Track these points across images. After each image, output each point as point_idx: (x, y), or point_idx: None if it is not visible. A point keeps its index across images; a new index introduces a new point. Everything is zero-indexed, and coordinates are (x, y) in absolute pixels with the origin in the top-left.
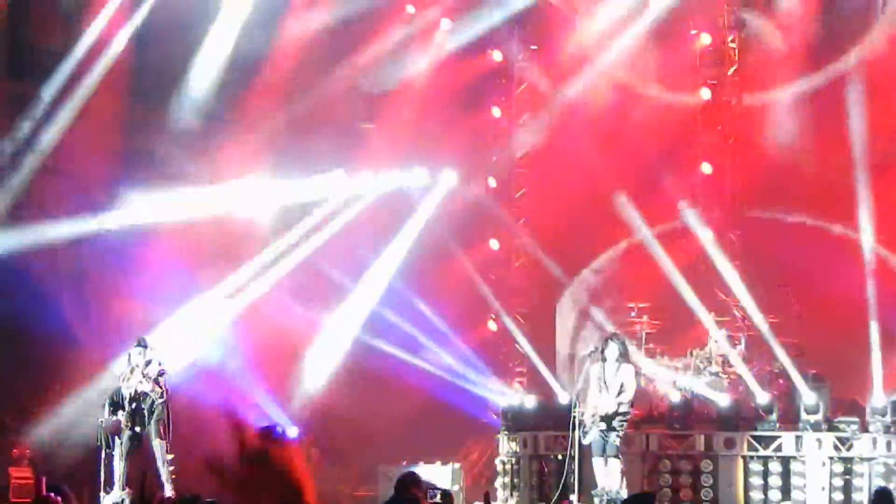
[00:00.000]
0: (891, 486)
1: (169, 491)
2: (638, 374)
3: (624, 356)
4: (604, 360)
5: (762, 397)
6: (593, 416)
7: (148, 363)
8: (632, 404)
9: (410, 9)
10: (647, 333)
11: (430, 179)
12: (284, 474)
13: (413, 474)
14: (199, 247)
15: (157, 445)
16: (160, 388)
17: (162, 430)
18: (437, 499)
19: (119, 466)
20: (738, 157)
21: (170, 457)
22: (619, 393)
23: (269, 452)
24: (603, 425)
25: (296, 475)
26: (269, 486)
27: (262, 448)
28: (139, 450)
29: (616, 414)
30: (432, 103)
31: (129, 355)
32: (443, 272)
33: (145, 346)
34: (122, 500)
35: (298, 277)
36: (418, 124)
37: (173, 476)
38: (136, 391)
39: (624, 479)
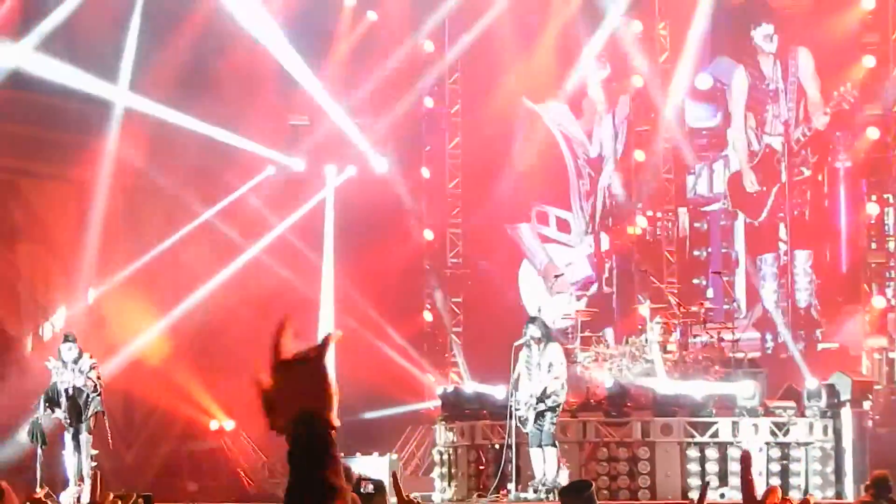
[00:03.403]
0: (827, 471)
1: (87, 488)
2: (575, 361)
3: (547, 336)
4: (528, 345)
5: (697, 385)
6: (527, 403)
7: (78, 357)
8: (564, 387)
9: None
10: (582, 321)
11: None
12: (314, 383)
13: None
14: None
15: (85, 440)
16: (93, 381)
17: (93, 424)
18: (371, 489)
19: (71, 463)
20: None
21: (94, 452)
22: (548, 371)
23: (304, 360)
24: (541, 406)
25: (324, 388)
26: (297, 393)
27: (299, 355)
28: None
29: (547, 394)
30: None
31: (60, 351)
32: (377, 262)
33: (73, 341)
34: (79, 496)
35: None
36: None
37: (92, 472)
38: (71, 386)
39: (561, 466)
